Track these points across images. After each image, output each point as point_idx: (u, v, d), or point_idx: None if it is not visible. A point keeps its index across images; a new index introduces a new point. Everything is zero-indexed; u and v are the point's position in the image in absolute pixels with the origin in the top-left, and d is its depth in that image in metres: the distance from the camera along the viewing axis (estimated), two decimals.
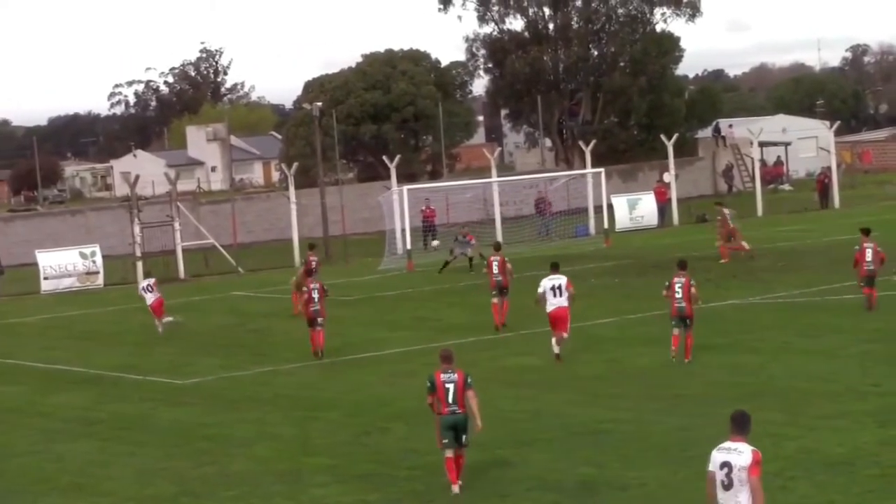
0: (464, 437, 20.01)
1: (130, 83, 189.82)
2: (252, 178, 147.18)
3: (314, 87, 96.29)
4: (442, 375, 20.01)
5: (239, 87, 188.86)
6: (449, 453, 20.00)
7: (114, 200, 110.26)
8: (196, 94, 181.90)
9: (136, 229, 56.74)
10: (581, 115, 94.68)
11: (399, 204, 58.26)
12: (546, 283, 31.28)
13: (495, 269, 36.58)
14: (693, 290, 29.47)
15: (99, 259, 56.47)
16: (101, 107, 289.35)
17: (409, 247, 56.38)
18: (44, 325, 44.92)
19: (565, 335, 31.08)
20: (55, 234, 68.71)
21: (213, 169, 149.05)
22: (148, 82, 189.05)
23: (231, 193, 73.45)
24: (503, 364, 30.66)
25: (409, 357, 32.73)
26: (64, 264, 55.84)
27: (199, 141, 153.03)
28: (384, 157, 66.20)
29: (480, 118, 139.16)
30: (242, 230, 68.17)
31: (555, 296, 31.11)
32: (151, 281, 41.44)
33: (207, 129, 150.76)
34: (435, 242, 56.73)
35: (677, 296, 29.45)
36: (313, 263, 42.35)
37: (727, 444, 14.19)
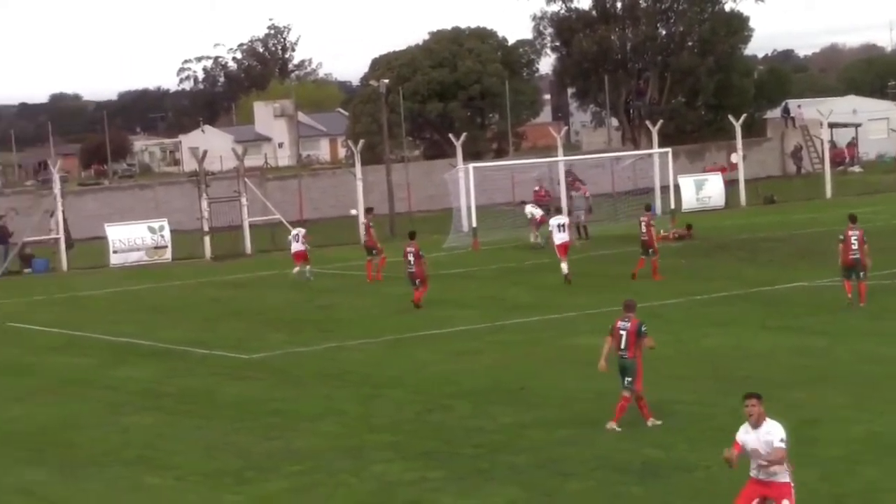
0: (627, 380, 21.93)
1: (199, 59, 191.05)
2: (318, 154, 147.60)
3: (381, 65, 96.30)
4: (619, 322, 22.06)
5: (306, 63, 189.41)
6: (626, 393, 22.03)
7: (182, 175, 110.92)
8: (264, 70, 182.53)
9: (204, 204, 57.08)
10: (648, 95, 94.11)
11: (465, 182, 58.17)
12: (553, 222, 42.93)
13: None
14: (866, 244, 33.27)
15: (167, 233, 56.83)
16: (171, 82, 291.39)
17: (474, 225, 56.23)
18: (112, 299, 45.27)
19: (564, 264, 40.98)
20: (124, 209, 69.27)
21: (280, 145, 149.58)
22: (216, 58, 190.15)
23: (298, 169, 73.77)
24: (568, 343, 30.56)
25: (474, 335, 32.69)
26: (132, 238, 56.24)
27: (266, 117, 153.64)
28: (450, 135, 66.22)
29: (547, 97, 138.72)
30: (309, 206, 68.34)
31: (559, 231, 42.13)
32: (301, 232, 46.93)
33: (275, 106, 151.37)
34: (539, 240, 54.54)
35: (853, 247, 33.13)
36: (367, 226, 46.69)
37: None
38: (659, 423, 21.99)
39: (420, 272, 37.64)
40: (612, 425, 21.85)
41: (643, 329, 21.89)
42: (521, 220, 57.89)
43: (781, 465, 15.11)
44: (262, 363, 30.84)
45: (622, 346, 21.92)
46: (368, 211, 50.54)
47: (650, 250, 40.85)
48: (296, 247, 46.60)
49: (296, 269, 46.05)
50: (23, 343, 36.14)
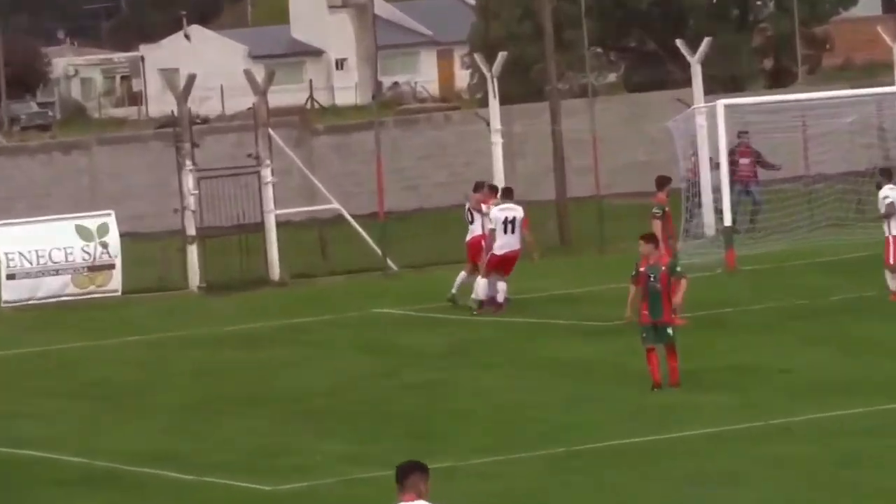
0: None
1: None
2: (416, 82, 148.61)
3: None
4: None
5: None
6: None
7: (146, 124, 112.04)
8: None
9: (189, 181, 56.98)
10: None
11: (708, 135, 57.86)
12: (499, 215, 48.65)
13: None
14: None
15: (114, 239, 56.90)
16: None
17: (728, 222, 55.62)
18: (5, 369, 45.59)
19: None
20: (32, 190, 69.91)
21: (341, 64, 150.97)
22: None
23: (375, 112, 73.75)
24: None
25: (728, 444, 32.71)
26: (45, 251, 56.42)
27: (313, 10, 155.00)
28: (677, 43, 65.88)
29: None
30: (396, 185, 68.31)
31: (506, 233, 48.28)
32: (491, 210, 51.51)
33: None
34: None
35: None
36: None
37: None
38: None
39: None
40: None
41: None
42: (803, 218, 57.86)
43: None
44: (298, 500, 30.81)
45: None
46: (664, 183, 50.84)
47: None
48: (473, 228, 50.46)
49: (461, 277, 49.78)
50: None
